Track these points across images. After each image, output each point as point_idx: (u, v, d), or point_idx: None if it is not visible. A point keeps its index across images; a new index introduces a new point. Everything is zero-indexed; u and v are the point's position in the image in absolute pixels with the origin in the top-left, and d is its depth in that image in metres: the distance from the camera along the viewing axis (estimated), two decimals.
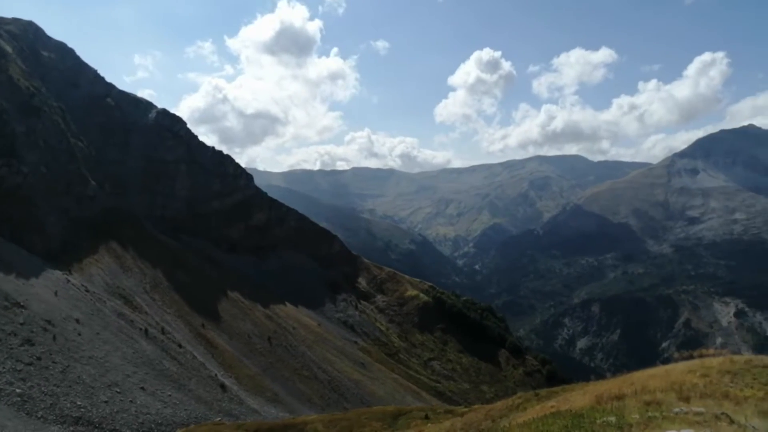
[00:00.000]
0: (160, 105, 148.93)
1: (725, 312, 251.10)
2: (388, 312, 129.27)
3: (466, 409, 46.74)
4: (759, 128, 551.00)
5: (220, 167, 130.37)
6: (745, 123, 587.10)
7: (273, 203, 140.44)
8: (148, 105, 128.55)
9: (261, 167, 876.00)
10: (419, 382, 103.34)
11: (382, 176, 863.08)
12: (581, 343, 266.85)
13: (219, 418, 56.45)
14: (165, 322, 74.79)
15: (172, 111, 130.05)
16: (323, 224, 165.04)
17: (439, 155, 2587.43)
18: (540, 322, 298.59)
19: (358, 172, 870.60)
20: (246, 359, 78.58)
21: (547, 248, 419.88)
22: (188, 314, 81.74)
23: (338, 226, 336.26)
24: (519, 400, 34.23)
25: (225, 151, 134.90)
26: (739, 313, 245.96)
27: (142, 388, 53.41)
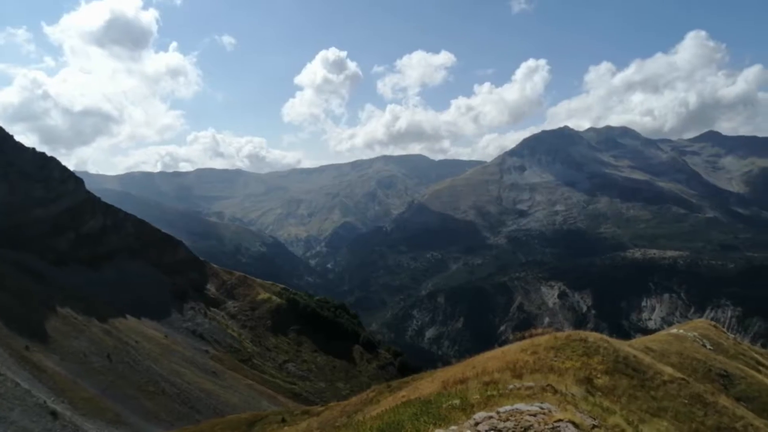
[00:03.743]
0: None
1: (551, 294, 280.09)
2: (240, 317, 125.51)
3: (322, 408, 47.13)
4: (573, 129, 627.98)
5: (44, 171, 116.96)
6: (562, 124, 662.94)
7: (108, 209, 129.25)
8: None
9: (93, 170, 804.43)
10: (275, 385, 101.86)
11: (230, 177, 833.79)
12: (429, 333, 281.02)
13: None
14: None
15: None
16: (166, 230, 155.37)
17: (288, 155, 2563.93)
18: (391, 316, 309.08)
19: (203, 174, 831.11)
20: (82, 380, 71.49)
21: (395, 244, 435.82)
22: (8, 337, 72.32)
23: (183, 231, 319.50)
24: (373, 394, 35.32)
25: (48, 153, 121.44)
26: (561, 295, 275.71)
27: None
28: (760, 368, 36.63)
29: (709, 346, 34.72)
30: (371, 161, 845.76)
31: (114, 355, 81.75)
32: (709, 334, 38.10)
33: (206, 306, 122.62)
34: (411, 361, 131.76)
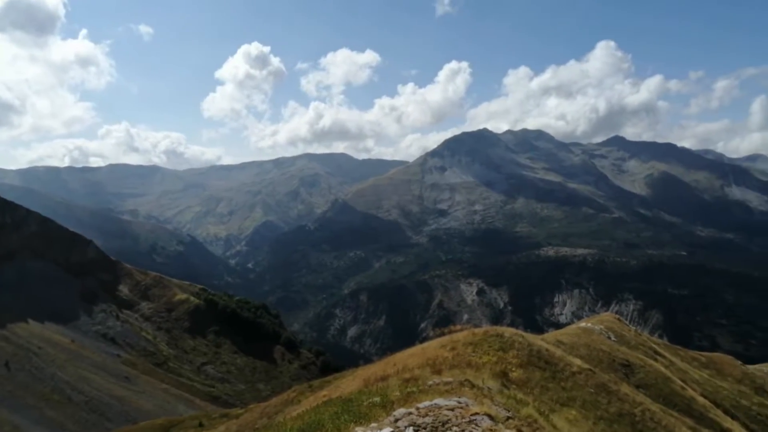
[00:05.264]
0: None
1: (470, 291, 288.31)
2: (155, 319, 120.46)
3: (242, 411, 46.18)
4: (491, 131, 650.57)
5: None
6: (481, 126, 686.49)
7: (7, 205, 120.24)
8: None
9: None
10: (192, 389, 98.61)
11: (145, 173, 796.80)
12: (352, 332, 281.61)
13: None
14: None
15: None
16: (75, 228, 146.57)
17: (208, 151, 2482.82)
18: (313, 315, 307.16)
19: (116, 169, 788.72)
20: None
21: (318, 243, 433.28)
22: None
23: (93, 230, 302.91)
24: (294, 394, 35.03)
25: None
26: (480, 292, 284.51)
27: None
28: (658, 357, 39.50)
29: (613, 339, 37.02)
30: (294, 159, 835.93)
31: (13, 363, 76.31)
32: (613, 327, 40.63)
33: (118, 308, 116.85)
34: (333, 360, 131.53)
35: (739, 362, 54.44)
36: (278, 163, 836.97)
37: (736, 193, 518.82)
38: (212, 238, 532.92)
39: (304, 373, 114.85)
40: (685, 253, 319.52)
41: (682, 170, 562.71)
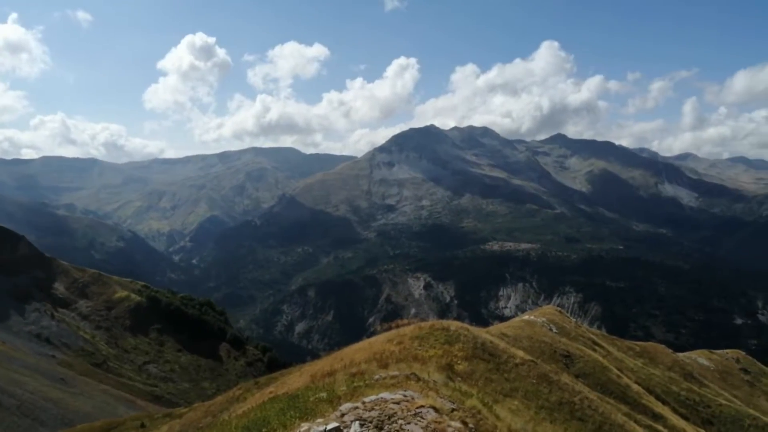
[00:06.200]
0: None
1: (417, 285, 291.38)
2: (93, 318, 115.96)
3: (185, 410, 45.17)
4: (438, 128, 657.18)
5: None
6: (429, 122, 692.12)
7: None
8: None
9: None
10: (134, 389, 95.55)
11: (82, 167, 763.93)
12: (299, 327, 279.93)
13: None
14: None
15: None
16: (4, 223, 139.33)
17: (150, 144, 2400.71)
18: (260, 311, 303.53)
19: (51, 162, 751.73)
20: None
21: (265, 239, 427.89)
22: None
23: (26, 225, 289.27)
24: (239, 391, 34.57)
25: None
26: (427, 286, 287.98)
27: None
28: (596, 348, 41.10)
29: (554, 330, 38.25)
30: (240, 153, 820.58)
31: None
32: (555, 319, 41.98)
33: (53, 307, 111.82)
34: (280, 357, 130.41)
35: (670, 351, 57.37)
36: (224, 156, 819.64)
37: (669, 190, 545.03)
38: (155, 233, 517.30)
39: (250, 370, 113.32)
40: (622, 247, 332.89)
41: (619, 168, 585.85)
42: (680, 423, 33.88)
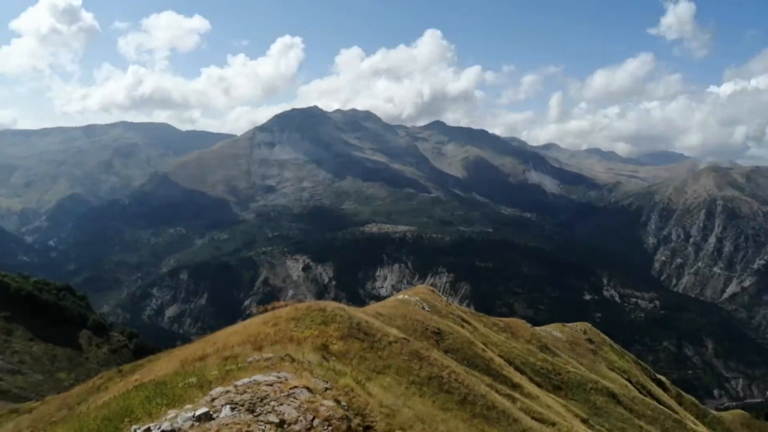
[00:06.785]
0: None
1: (296, 267, 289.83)
2: None
3: (36, 404, 41.52)
4: (321, 110, 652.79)
5: None
6: (312, 104, 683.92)
7: None
8: None
9: None
10: None
11: None
12: (170, 312, 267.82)
13: None
14: None
15: None
16: None
17: (1, 113, 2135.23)
18: (127, 296, 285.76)
19: None
20: None
21: (133, 219, 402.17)
22: None
23: None
24: (101, 381, 32.54)
25: None
26: (306, 267, 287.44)
27: None
28: (465, 324, 43.62)
29: (427, 309, 39.99)
30: (108, 127, 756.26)
31: None
32: (427, 298, 43.85)
33: None
34: (149, 343, 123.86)
35: (530, 325, 62.35)
36: (89, 130, 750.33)
37: (535, 177, 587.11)
38: (4, 212, 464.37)
39: (114, 358, 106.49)
40: (491, 230, 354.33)
41: (492, 155, 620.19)
42: (534, 390, 37.16)
